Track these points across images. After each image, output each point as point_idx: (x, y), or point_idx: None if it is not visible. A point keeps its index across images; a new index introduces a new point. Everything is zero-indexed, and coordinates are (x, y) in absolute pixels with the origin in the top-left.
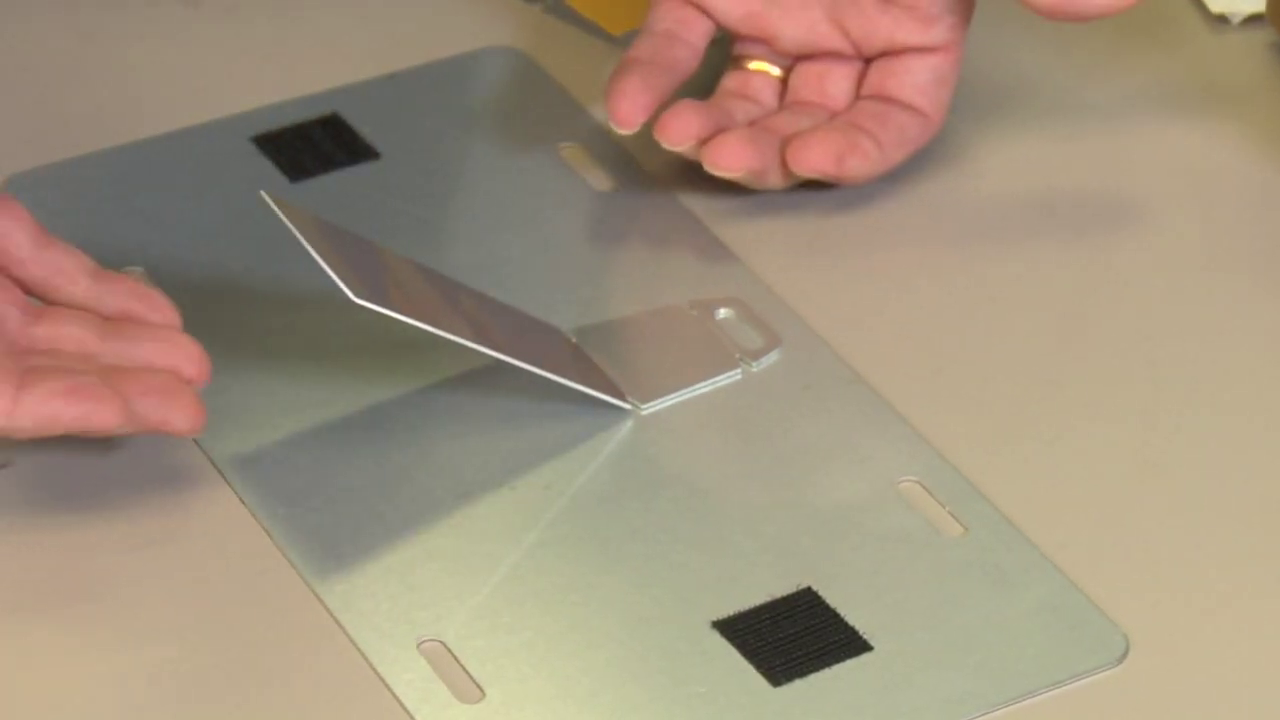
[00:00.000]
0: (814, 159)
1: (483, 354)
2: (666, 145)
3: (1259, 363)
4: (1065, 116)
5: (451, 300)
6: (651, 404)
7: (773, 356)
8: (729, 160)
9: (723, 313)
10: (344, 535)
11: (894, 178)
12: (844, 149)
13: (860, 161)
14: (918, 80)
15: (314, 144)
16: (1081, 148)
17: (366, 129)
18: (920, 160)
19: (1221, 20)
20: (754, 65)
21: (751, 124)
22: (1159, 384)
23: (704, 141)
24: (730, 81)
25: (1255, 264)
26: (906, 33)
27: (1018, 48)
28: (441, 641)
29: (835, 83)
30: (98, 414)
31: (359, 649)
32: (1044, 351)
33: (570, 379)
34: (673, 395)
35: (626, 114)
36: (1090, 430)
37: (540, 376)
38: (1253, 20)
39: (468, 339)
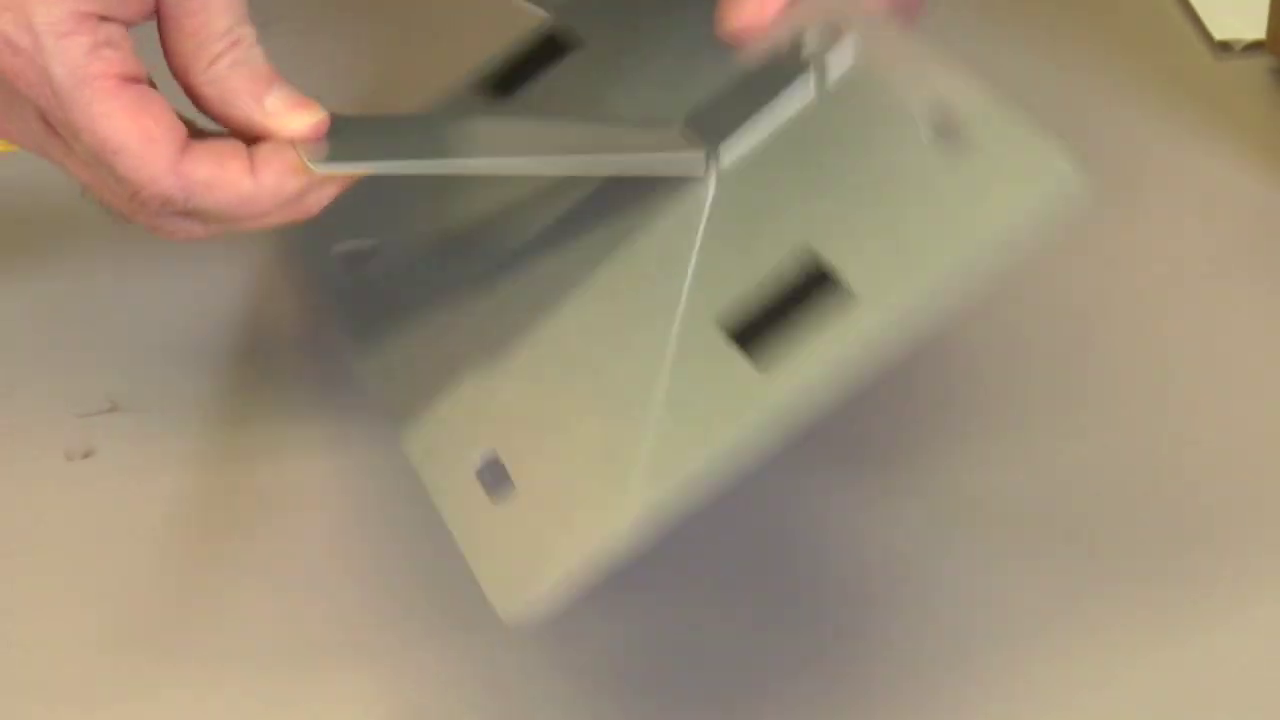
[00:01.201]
0: None
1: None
2: None
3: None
4: (1068, 142)
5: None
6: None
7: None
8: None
9: None
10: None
11: None
12: None
13: None
14: None
15: None
16: (1084, 172)
17: None
18: None
19: (1224, 47)
20: None
21: None
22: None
23: None
24: None
25: (1256, 287)
26: None
27: (1022, 73)
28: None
29: None
30: None
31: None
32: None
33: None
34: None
35: None
36: None
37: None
38: (1254, 47)
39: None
